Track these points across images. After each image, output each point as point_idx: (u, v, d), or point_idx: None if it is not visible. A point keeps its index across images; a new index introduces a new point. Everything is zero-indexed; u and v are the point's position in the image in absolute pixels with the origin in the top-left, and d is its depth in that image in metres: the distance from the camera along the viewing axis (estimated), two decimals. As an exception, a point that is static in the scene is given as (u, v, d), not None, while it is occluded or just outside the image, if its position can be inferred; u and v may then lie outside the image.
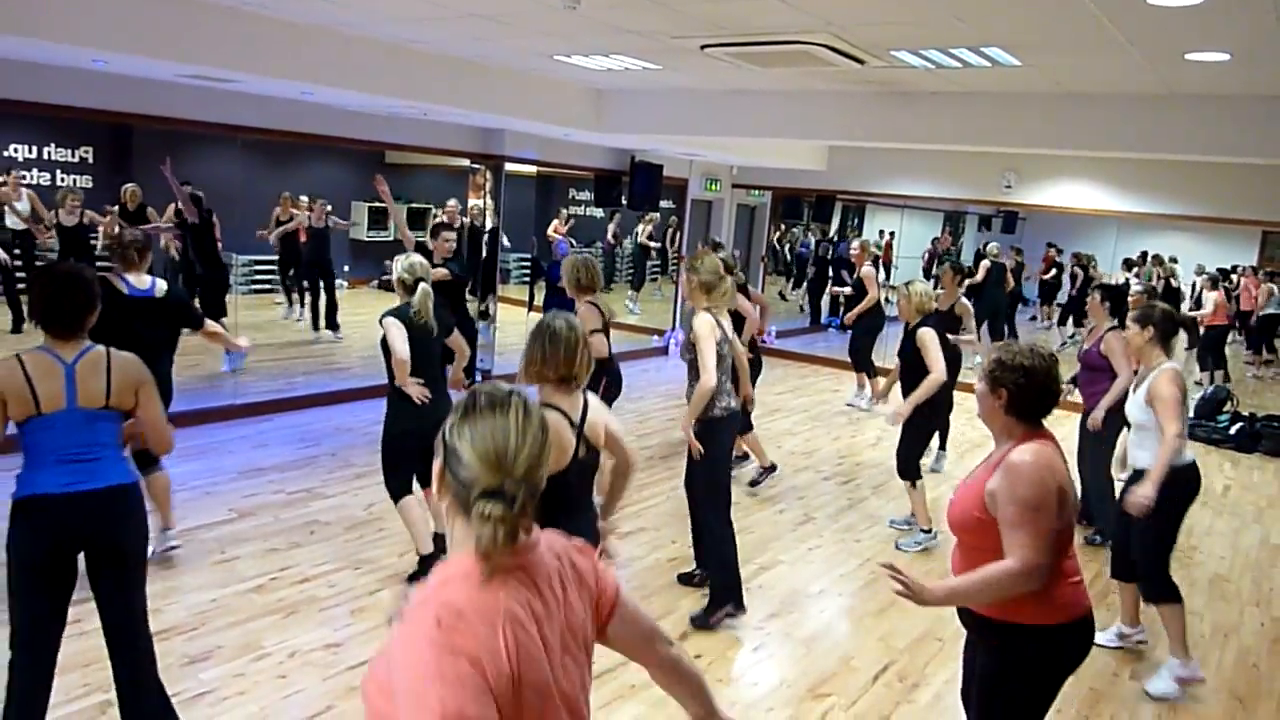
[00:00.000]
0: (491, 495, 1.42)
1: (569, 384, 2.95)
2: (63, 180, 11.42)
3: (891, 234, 16.19)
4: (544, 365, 2.93)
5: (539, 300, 11.87)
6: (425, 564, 4.66)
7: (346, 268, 13.53)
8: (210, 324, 4.81)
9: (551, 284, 8.55)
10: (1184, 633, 4.32)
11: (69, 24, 5.08)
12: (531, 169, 10.95)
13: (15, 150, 11.45)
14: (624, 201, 11.57)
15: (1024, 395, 2.57)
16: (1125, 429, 4.65)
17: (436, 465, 1.52)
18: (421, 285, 4.68)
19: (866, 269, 9.54)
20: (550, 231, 13.54)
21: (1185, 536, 6.08)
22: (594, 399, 3.07)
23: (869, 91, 7.22)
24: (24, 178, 11.32)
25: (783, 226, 15.67)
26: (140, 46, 5.40)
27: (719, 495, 4.69)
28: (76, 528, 2.92)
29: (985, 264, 11.80)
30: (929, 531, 5.93)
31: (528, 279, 13.39)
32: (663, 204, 12.48)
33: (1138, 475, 4.31)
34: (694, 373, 4.52)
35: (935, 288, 6.71)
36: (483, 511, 1.42)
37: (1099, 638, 4.10)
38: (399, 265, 4.75)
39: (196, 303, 6.48)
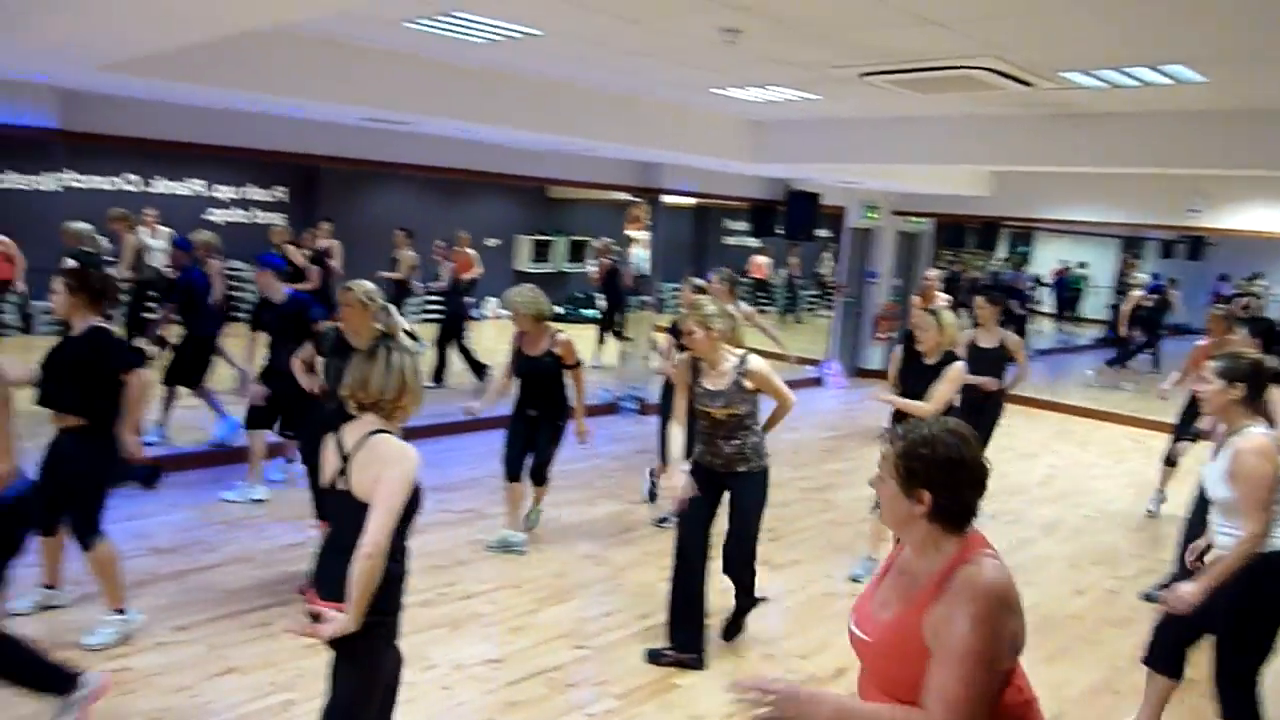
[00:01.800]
0: None
1: None
2: (260, 218, 12.42)
3: (1079, 263, 15.52)
4: None
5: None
6: None
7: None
8: None
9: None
10: None
11: (271, 77, 5.58)
12: (688, 200, 11.09)
13: (218, 190, 12.54)
14: (780, 231, 11.55)
15: (953, 495, 1.92)
16: None
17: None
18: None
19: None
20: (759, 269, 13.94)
21: None
22: None
23: (1036, 114, 6.96)
24: (226, 215, 12.36)
25: (948, 254, 15.23)
26: (332, 94, 5.87)
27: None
28: None
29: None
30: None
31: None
32: (819, 232, 12.37)
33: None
34: None
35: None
36: None
37: None
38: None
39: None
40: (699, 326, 4.22)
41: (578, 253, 16.15)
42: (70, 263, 5.73)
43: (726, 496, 4.43)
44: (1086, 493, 7.79)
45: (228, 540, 5.46)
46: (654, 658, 4.36)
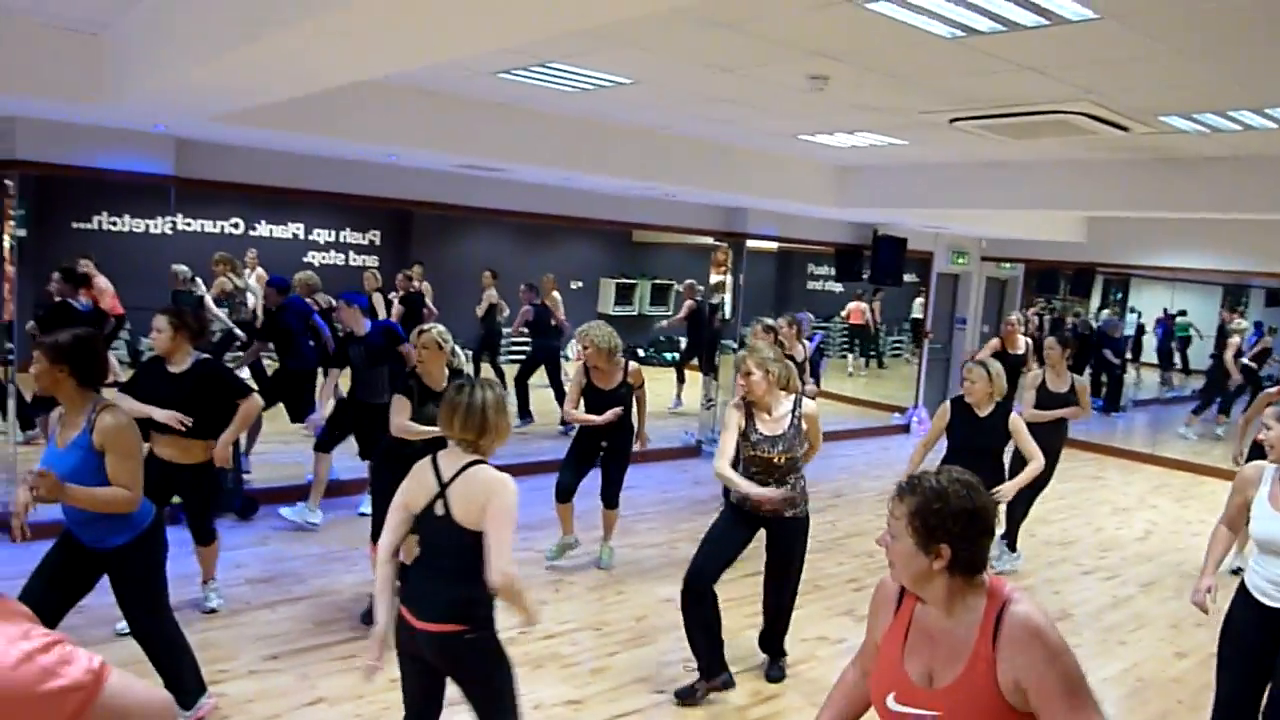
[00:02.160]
0: None
1: None
2: (355, 260, 12.84)
3: (1180, 311, 15.03)
4: None
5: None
6: None
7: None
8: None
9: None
10: None
11: (370, 126, 5.83)
12: (772, 245, 11.09)
13: (317, 234, 13.02)
14: (865, 276, 11.45)
15: (971, 545, 1.88)
16: None
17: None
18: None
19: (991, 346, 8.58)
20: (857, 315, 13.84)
21: None
22: None
23: (1133, 159, 6.81)
24: (324, 258, 12.82)
25: (1042, 302, 14.85)
26: (427, 142, 6.09)
27: None
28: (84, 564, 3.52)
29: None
30: None
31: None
32: (907, 277, 12.22)
33: (1257, 611, 3.43)
34: None
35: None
36: None
37: None
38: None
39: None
40: (758, 368, 4.23)
41: (660, 296, 16.26)
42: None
43: (759, 539, 4.45)
44: (1186, 549, 7.44)
45: (318, 573, 5.60)
46: (685, 696, 4.31)
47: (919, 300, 13.39)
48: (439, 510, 2.82)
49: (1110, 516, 8.34)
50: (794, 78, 4.83)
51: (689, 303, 11.87)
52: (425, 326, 4.93)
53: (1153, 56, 4.02)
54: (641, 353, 15.17)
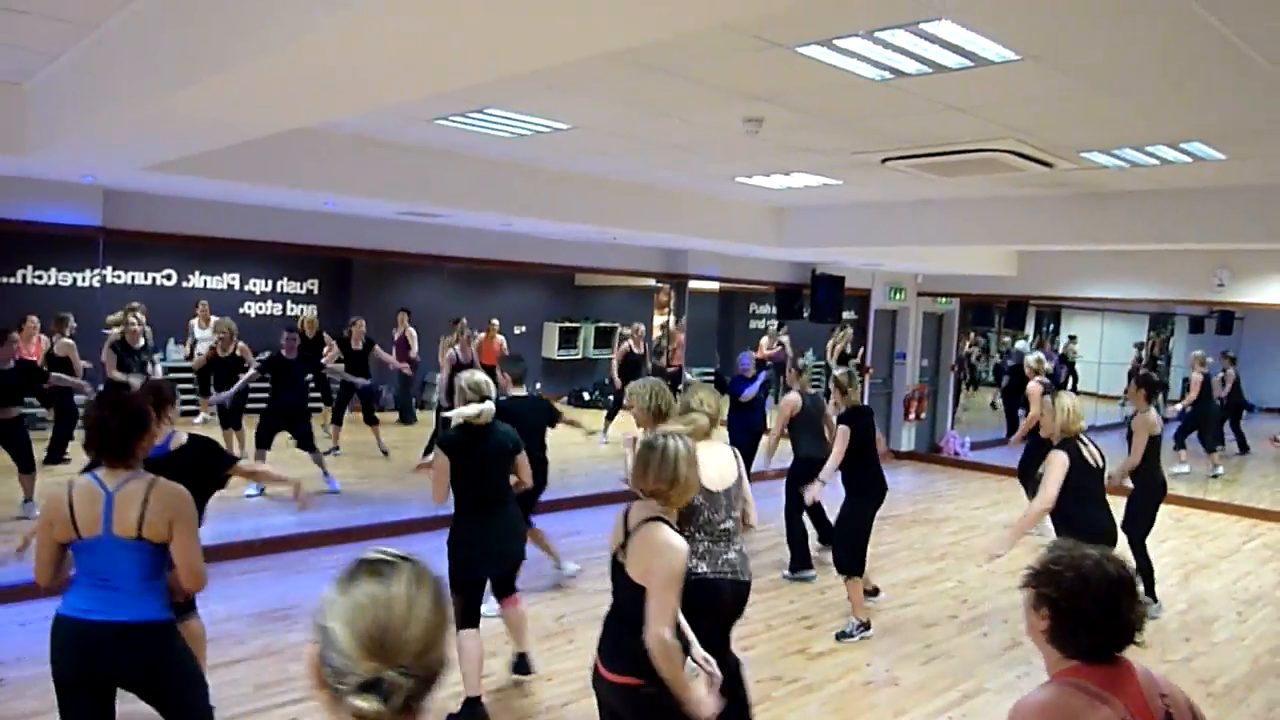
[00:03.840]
0: (368, 689, 1.18)
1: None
2: (293, 310, 12.63)
3: (1072, 336, 15.40)
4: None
5: (724, 414, 11.92)
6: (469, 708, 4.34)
7: (539, 385, 14.08)
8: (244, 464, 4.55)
9: (734, 399, 8.57)
10: None
11: (306, 173, 5.77)
12: (714, 285, 11.19)
13: (253, 284, 12.80)
14: (806, 314, 11.59)
15: (1065, 621, 1.85)
16: None
17: (309, 651, 1.27)
18: (487, 404, 4.39)
19: (1032, 385, 8.71)
20: (760, 353, 13.72)
21: None
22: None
23: (1058, 194, 7.03)
24: (260, 309, 12.60)
25: (971, 335, 15.16)
26: (365, 189, 6.04)
27: None
28: (92, 657, 2.90)
29: (1197, 377, 11.09)
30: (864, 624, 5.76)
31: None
32: (846, 314, 12.40)
33: None
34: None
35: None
36: (357, 709, 1.18)
37: None
38: (462, 382, 4.46)
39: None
40: (628, 398, 4.42)
41: (604, 339, 16.27)
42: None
43: None
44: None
45: (257, 633, 5.42)
46: None
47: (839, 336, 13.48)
48: (620, 559, 2.87)
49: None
50: (730, 121, 4.91)
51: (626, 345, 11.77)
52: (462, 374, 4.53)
53: (1072, 95, 4.17)
54: (587, 396, 15.12)
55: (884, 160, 5.77)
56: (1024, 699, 1.84)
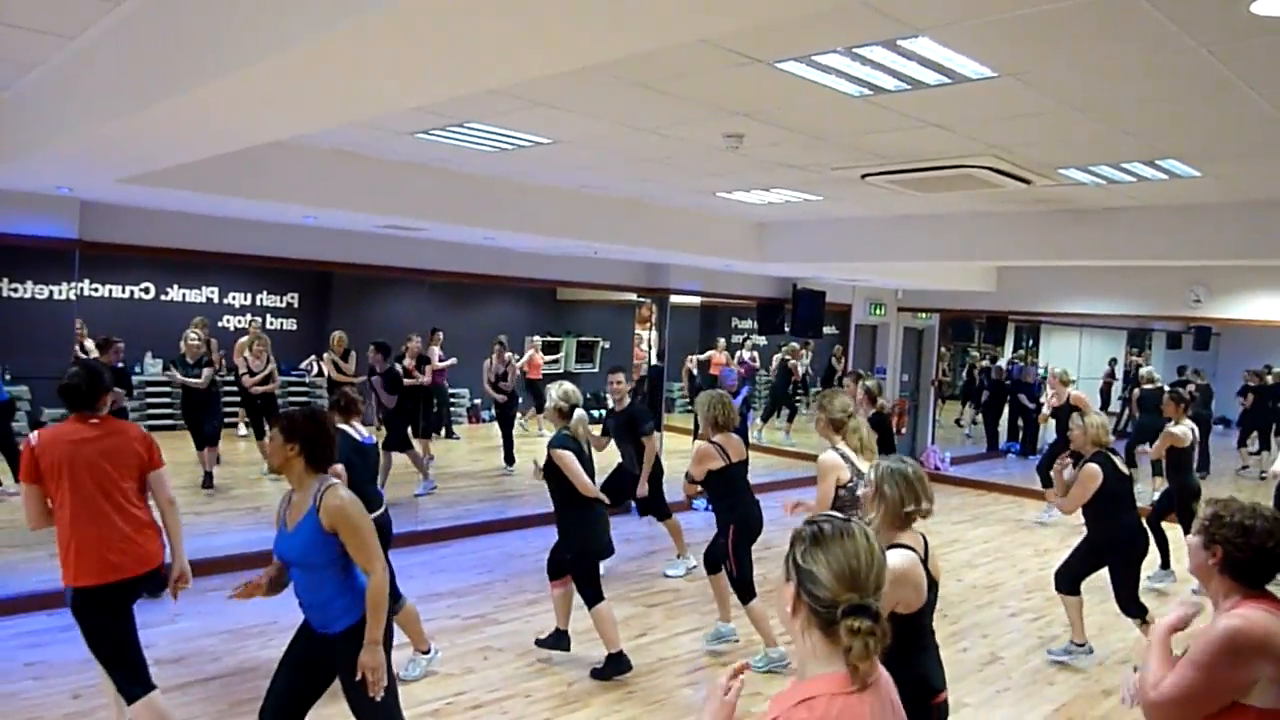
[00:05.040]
0: (858, 611, 1.62)
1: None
2: (272, 324, 12.56)
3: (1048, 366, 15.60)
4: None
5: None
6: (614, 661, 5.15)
7: (520, 399, 14.06)
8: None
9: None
10: None
11: (286, 187, 5.74)
12: (695, 300, 11.21)
13: (232, 298, 12.70)
14: (787, 329, 11.63)
15: (1241, 557, 2.33)
16: None
17: (790, 589, 1.70)
18: (578, 411, 5.07)
19: (1076, 392, 9.75)
20: (714, 362, 13.69)
21: None
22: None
23: (1037, 210, 7.09)
24: (239, 322, 12.52)
25: (951, 349, 15.24)
26: (346, 203, 6.01)
27: None
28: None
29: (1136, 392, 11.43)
30: (1081, 644, 5.86)
31: (691, 408, 13.53)
32: (827, 330, 12.45)
33: None
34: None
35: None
36: (853, 626, 1.61)
37: None
38: (554, 393, 5.14)
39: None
40: None
41: (586, 353, 16.24)
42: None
43: None
44: (1108, 587, 7.59)
45: (231, 650, 5.35)
46: None
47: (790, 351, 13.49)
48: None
49: (1034, 558, 8.50)
50: (710, 136, 4.93)
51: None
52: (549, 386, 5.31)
53: (1049, 112, 4.21)
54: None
55: (863, 176, 5.80)
56: (1210, 629, 2.25)
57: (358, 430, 4.96)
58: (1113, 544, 5.64)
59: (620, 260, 9.50)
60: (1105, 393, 15.95)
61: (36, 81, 4.19)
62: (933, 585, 2.90)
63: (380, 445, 6.46)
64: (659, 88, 4.07)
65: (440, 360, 10.74)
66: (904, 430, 12.92)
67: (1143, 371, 11.48)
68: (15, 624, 5.50)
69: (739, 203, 7.37)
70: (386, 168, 6.10)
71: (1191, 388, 12.07)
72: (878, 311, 12.63)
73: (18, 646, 5.26)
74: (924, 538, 2.97)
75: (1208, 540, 2.36)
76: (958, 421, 15.66)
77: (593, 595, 5.09)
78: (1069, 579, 5.84)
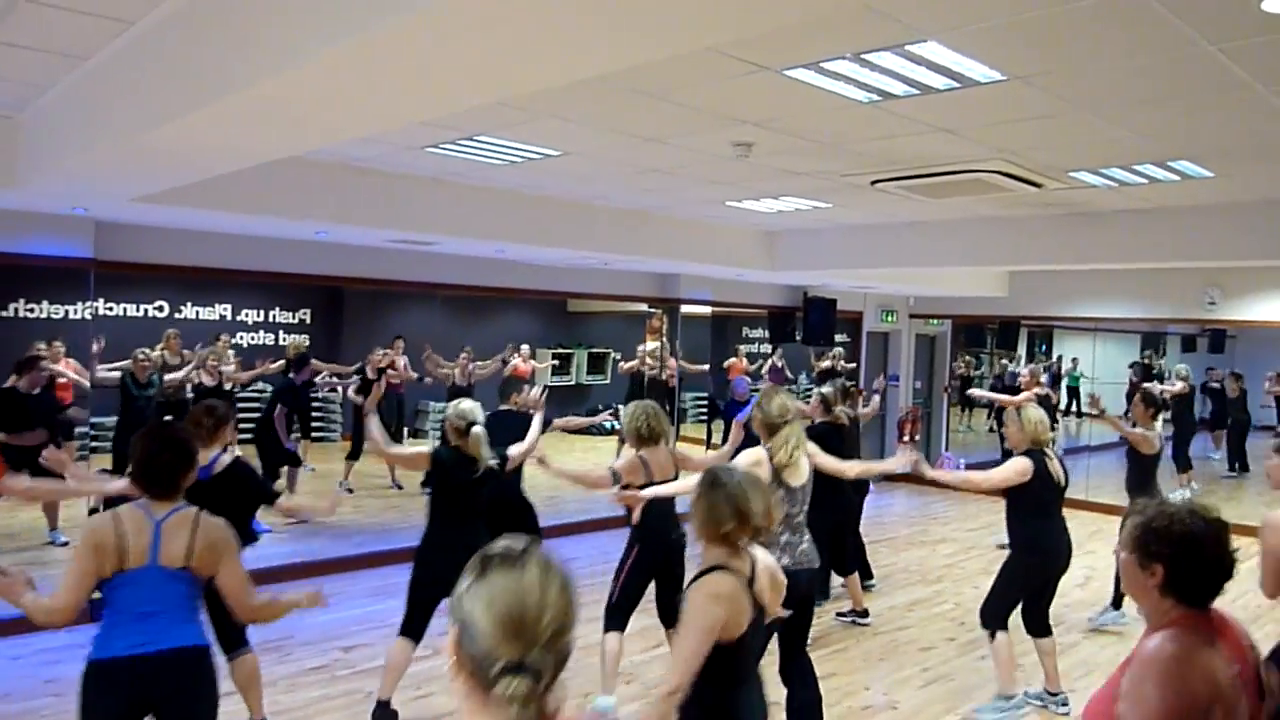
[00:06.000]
0: (516, 670, 1.25)
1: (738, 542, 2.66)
2: (285, 339, 12.61)
3: (1074, 360, 15.44)
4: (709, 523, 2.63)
5: (716, 439, 11.93)
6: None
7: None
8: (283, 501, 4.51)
9: (729, 422, 8.57)
10: None
11: (299, 203, 5.78)
12: (706, 309, 11.21)
13: (245, 314, 12.77)
14: (798, 337, 11.61)
15: (1185, 571, 1.98)
16: None
17: (451, 634, 1.32)
18: (475, 429, 4.48)
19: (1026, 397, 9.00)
20: (735, 369, 13.70)
21: None
22: (760, 552, 2.79)
23: (1048, 214, 7.06)
24: (252, 339, 12.58)
25: (958, 356, 15.18)
26: (357, 218, 6.05)
27: None
28: (139, 690, 2.85)
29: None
30: (1008, 698, 5.09)
31: (704, 418, 13.51)
32: (838, 337, 12.42)
33: None
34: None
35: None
36: (507, 689, 1.24)
37: None
38: (449, 411, 4.59)
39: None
40: None
41: (597, 365, 16.25)
42: None
43: None
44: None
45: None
46: None
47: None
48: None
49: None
50: (719, 145, 4.94)
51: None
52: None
53: (1059, 115, 4.20)
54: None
55: (873, 182, 5.80)
56: (1143, 645, 1.97)
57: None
58: (1029, 549, 5.16)
59: (631, 271, 9.51)
60: (1131, 397, 15.83)
61: (51, 103, 4.24)
62: (759, 613, 2.62)
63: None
64: (667, 97, 4.09)
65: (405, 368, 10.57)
66: (917, 438, 12.85)
67: (1179, 369, 11.47)
68: (35, 641, 5.51)
69: (749, 211, 7.37)
70: (397, 182, 6.13)
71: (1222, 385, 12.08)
72: (889, 318, 12.60)
73: (38, 664, 5.28)
74: (754, 560, 2.66)
75: (1144, 558, 2.02)
76: (990, 430, 15.53)
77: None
78: (1036, 618, 5.33)
